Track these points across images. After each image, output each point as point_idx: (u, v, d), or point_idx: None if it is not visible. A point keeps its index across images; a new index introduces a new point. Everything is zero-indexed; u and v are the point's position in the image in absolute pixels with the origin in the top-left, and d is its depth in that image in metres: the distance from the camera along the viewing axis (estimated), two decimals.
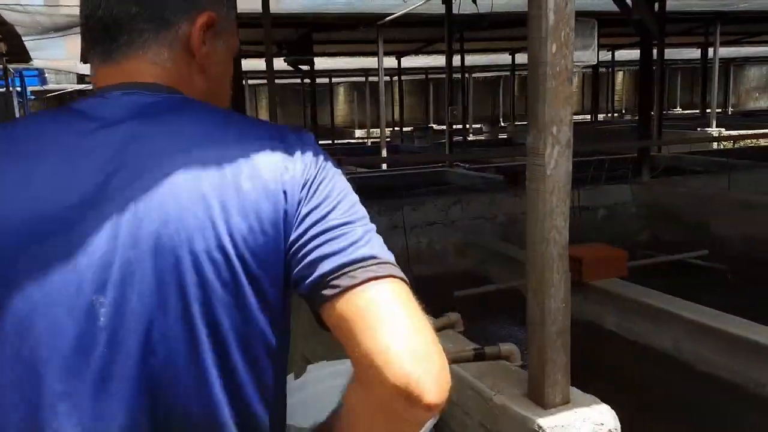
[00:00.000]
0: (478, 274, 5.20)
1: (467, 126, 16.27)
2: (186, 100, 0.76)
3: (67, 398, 0.66)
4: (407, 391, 0.62)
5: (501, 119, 23.13)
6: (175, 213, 0.66)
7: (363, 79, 22.76)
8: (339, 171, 0.76)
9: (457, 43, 14.77)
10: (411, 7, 8.73)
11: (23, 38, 11.69)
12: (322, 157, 0.74)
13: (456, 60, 19.64)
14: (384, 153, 11.07)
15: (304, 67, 14.72)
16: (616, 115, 24.02)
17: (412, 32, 13.55)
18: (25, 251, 0.66)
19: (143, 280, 0.66)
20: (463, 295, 3.91)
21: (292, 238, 0.70)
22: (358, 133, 26.95)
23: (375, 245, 0.71)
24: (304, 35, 13.63)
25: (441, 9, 9.82)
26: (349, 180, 0.77)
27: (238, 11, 0.92)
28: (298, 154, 0.72)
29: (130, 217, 0.67)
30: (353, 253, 0.69)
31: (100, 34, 0.77)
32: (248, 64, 17.43)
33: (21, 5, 8.13)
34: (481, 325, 3.77)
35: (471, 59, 18.18)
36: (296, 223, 0.70)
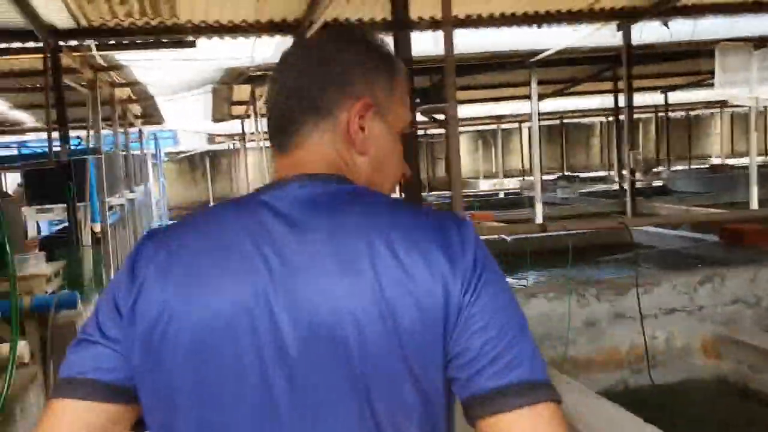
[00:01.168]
0: (743, 385, 3.63)
1: (622, 173, 14.50)
2: (353, 191, 0.78)
3: None
4: None
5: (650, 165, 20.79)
6: (344, 306, 0.70)
7: (494, 126, 21.40)
8: (497, 268, 0.75)
9: (610, 83, 13.26)
10: (582, 37, 7.39)
11: (156, 99, 11.47)
12: (482, 254, 0.74)
13: (600, 100, 18.01)
14: (539, 207, 9.64)
15: (439, 117, 13.70)
16: None
17: (560, 72, 12.11)
18: (222, 341, 0.72)
19: (315, 370, 0.70)
20: None
21: (454, 339, 0.70)
22: (484, 184, 25.57)
23: (540, 364, 0.71)
24: (440, 81, 12.64)
25: (611, 41, 8.42)
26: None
27: None
28: (458, 251, 0.72)
29: (304, 311, 0.71)
30: (522, 370, 0.69)
31: (276, 127, 0.83)
32: None
33: (153, 60, 7.59)
34: None
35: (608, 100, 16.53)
36: (459, 326, 0.70)
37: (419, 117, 17.07)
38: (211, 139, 20.44)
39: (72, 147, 10.78)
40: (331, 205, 0.75)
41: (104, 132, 11.79)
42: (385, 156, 0.83)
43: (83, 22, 5.87)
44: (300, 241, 0.73)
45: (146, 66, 7.83)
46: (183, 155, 24.69)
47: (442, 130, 23.98)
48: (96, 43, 6.43)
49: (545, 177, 20.10)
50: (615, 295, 3.62)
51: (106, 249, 8.21)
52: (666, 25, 6.47)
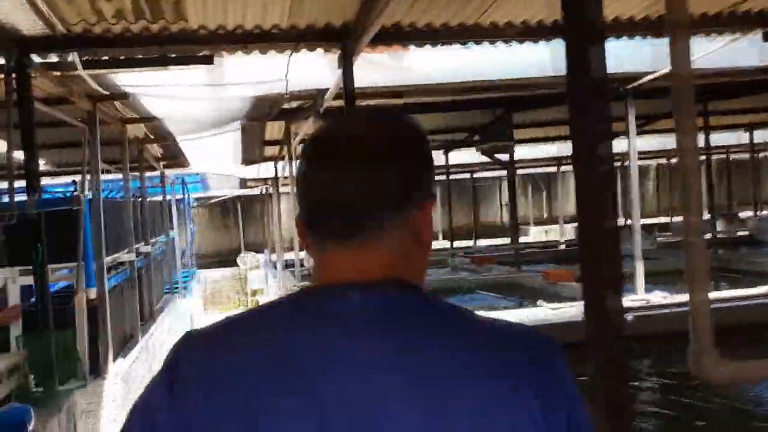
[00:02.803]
0: None
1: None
2: (423, 303, 0.74)
3: None
4: None
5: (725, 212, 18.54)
6: None
7: (554, 169, 19.51)
8: (586, 408, 0.71)
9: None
10: (710, 51, 5.62)
11: (178, 139, 9.99)
12: (576, 397, 0.70)
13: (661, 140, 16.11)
14: (640, 266, 7.77)
15: (502, 157, 11.98)
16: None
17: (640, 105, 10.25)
18: None
19: None
20: None
21: None
22: (534, 232, 23.58)
23: None
24: (501, 116, 10.98)
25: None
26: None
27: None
28: (554, 394, 0.68)
29: None
30: None
31: (336, 216, 0.75)
32: None
33: (163, 86, 6.02)
34: None
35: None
36: None
37: (470, 158, 15.24)
38: (243, 183, 18.99)
39: (62, 194, 9.15)
40: (404, 324, 0.70)
41: (109, 177, 10.34)
42: (430, 245, 0.81)
43: (60, 28, 4.32)
44: (373, 365, 0.67)
45: (156, 94, 6.28)
46: (213, 201, 23.36)
47: (490, 173, 22.25)
48: (85, 57, 4.87)
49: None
50: None
51: (103, 323, 6.54)
52: None
